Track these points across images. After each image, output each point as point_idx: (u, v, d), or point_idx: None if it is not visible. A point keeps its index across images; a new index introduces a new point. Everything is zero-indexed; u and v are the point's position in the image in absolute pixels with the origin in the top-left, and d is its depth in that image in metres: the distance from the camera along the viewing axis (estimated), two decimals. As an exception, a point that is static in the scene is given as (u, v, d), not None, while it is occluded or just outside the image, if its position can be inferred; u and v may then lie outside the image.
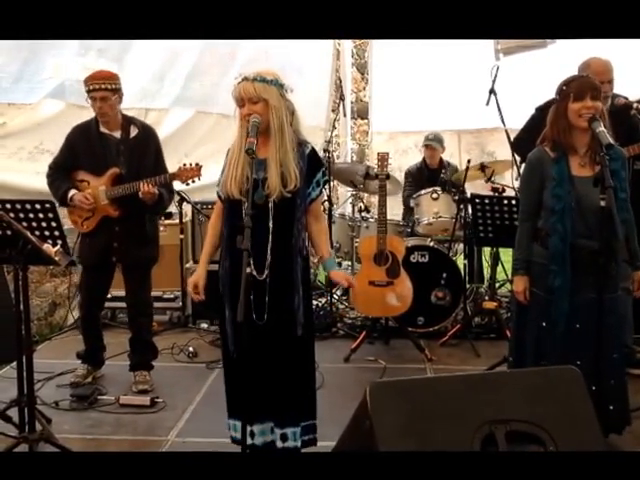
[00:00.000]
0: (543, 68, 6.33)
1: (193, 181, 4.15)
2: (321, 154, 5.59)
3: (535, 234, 3.35)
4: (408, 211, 6.16)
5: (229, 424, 3.28)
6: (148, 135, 4.27)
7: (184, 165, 4.09)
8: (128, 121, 4.23)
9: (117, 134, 4.19)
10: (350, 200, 6.24)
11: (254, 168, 2.95)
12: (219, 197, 3.22)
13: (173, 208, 5.52)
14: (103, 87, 4.05)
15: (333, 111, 7.56)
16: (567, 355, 3.13)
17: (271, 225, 3.07)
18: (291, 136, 3.09)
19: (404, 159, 7.04)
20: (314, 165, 3.15)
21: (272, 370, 3.15)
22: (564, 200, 3.15)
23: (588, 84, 3.17)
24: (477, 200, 4.76)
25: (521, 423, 2.33)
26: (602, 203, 2.95)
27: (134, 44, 6.40)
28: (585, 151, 3.21)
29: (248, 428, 3.07)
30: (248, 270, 2.74)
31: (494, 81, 5.29)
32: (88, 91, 4.08)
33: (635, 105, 3.95)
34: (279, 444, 3.17)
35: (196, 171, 4.06)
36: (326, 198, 5.87)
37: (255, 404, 3.12)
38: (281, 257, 3.10)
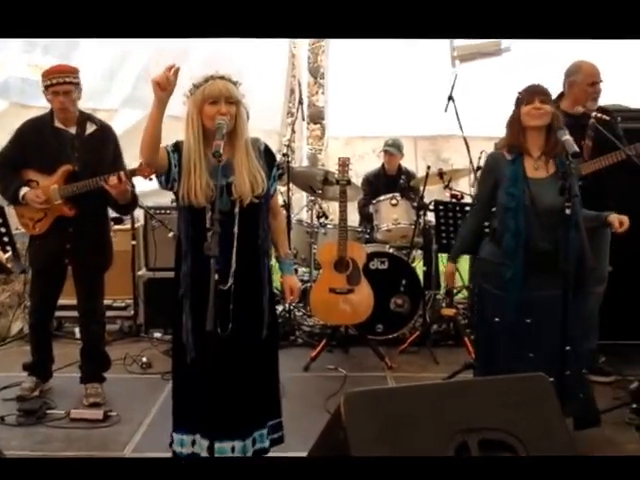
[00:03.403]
0: (498, 75, 6.36)
1: (157, 176, 3.98)
2: (279, 158, 5.50)
3: (492, 234, 3.49)
4: (363, 219, 6.10)
5: (174, 438, 3.14)
6: (106, 133, 4.12)
7: None
8: (85, 117, 4.06)
9: (72, 130, 4.02)
10: (307, 206, 6.13)
11: (218, 174, 2.82)
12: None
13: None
14: (67, 81, 3.90)
15: (289, 115, 7.47)
16: (519, 348, 3.32)
17: (236, 231, 2.96)
18: (250, 140, 3.04)
19: (361, 165, 6.93)
20: (270, 160, 3.11)
21: (238, 380, 3.05)
22: (517, 199, 3.28)
23: (538, 90, 3.34)
24: (440, 207, 4.72)
25: (494, 431, 2.31)
26: (567, 211, 3.07)
27: (82, 41, 6.18)
28: (539, 154, 3.36)
29: (206, 442, 2.97)
30: (216, 277, 2.64)
31: (452, 88, 5.29)
32: (50, 85, 3.90)
33: (594, 114, 3.96)
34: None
35: None
36: (283, 204, 5.78)
37: (216, 419, 3.00)
38: (247, 262, 3.01)
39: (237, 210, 2.96)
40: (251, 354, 3.07)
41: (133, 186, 3.99)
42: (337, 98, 7.46)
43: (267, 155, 3.10)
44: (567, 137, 3.16)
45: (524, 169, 3.33)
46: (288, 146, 5.52)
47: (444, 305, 5.47)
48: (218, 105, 2.90)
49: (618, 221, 3.37)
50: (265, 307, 3.08)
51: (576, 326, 3.37)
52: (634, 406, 3.91)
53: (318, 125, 8.04)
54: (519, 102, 3.34)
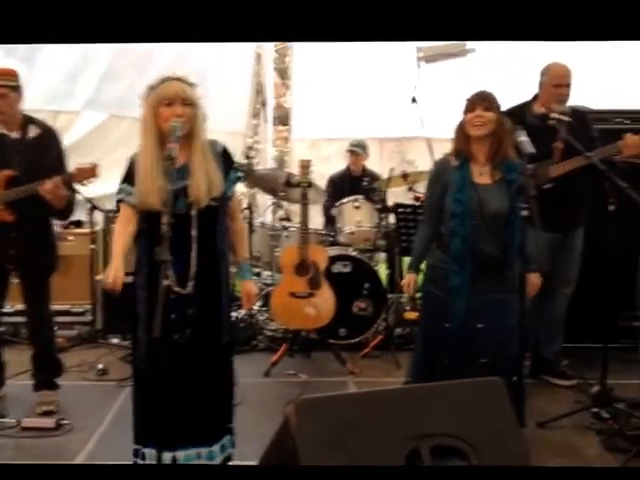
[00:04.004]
0: (463, 76, 6.34)
1: (90, 181, 3.89)
2: (242, 161, 5.44)
3: (439, 240, 3.47)
4: (328, 221, 6.04)
5: (141, 453, 3.05)
6: (49, 136, 3.99)
7: (79, 165, 3.80)
8: (28, 121, 3.95)
9: (15, 134, 3.90)
10: (270, 208, 6.06)
11: (171, 177, 2.80)
12: (121, 202, 2.99)
13: (83, 216, 5.26)
14: (1, 84, 3.78)
15: (256, 116, 7.40)
16: (471, 353, 3.30)
17: (194, 234, 2.92)
18: (207, 141, 2.99)
19: (326, 167, 6.88)
20: (227, 163, 3.05)
21: (199, 385, 3.01)
22: (464, 204, 3.27)
23: (480, 97, 3.29)
24: (400, 209, 4.68)
25: (446, 437, 2.29)
26: (524, 213, 3.04)
27: (45, 42, 6.07)
28: (485, 161, 3.34)
29: (170, 454, 2.93)
30: (166, 282, 2.64)
31: (415, 89, 5.27)
32: None
33: (552, 115, 3.94)
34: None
35: (91, 171, 3.77)
36: (247, 207, 5.73)
37: (178, 428, 2.95)
38: (206, 265, 2.97)
39: (194, 213, 2.91)
40: (211, 358, 3.03)
41: (75, 191, 3.90)
42: (302, 100, 7.39)
43: (225, 157, 3.06)
44: (524, 138, 3.17)
45: (471, 174, 3.33)
46: (250, 148, 5.43)
47: (408, 308, 5.44)
48: (174, 107, 2.85)
49: (531, 285, 3.38)
50: (224, 311, 3.05)
51: (517, 329, 3.34)
52: (595, 410, 3.91)
53: (287, 127, 7.98)
54: (465, 109, 3.33)
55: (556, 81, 4.14)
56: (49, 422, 3.80)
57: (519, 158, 3.27)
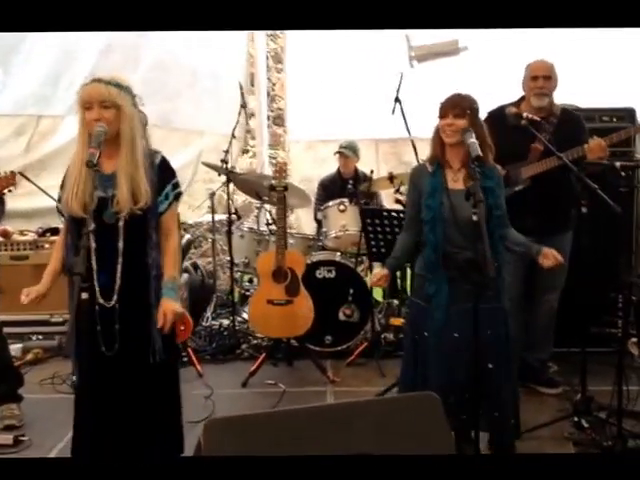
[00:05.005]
0: (456, 75, 6.17)
1: (10, 190, 3.79)
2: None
3: (422, 248, 3.37)
4: (319, 225, 5.90)
5: None
6: None
7: None
8: None
9: None
10: (255, 213, 5.93)
11: (101, 185, 2.74)
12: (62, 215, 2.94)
13: (60, 224, 5.17)
14: None
15: (251, 116, 7.29)
16: (445, 363, 3.20)
17: (121, 246, 2.81)
18: (143, 149, 2.85)
19: (323, 169, 6.74)
20: (164, 176, 2.91)
21: (129, 406, 2.89)
22: (434, 210, 3.21)
23: (451, 102, 3.20)
24: (367, 214, 4.55)
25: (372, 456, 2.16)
26: (474, 217, 2.88)
27: (23, 43, 5.95)
28: (459, 167, 3.24)
29: None
30: (84, 296, 2.54)
31: (398, 89, 5.15)
32: None
33: (525, 115, 3.79)
34: None
35: (11, 179, 3.71)
36: (234, 211, 5.63)
37: (108, 445, 2.86)
38: (134, 279, 2.85)
39: (121, 224, 2.81)
40: (140, 378, 2.90)
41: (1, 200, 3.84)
42: (298, 101, 7.25)
43: (163, 170, 2.93)
44: (472, 140, 3.05)
45: (445, 180, 3.25)
46: (226, 152, 5.31)
47: (397, 314, 5.27)
48: (92, 110, 2.75)
49: (552, 255, 3.19)
50: (153, 329, 2.87)
51: (500, 341, 3.22)
52: (575, 419, 3.73)
53: (283, 128, 7.85)
54: (438, 114, 3.25)
55: (533, 73, 4.03)
56: (7, 438, 3.72)
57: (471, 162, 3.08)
